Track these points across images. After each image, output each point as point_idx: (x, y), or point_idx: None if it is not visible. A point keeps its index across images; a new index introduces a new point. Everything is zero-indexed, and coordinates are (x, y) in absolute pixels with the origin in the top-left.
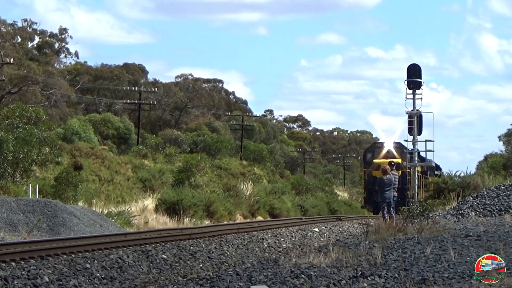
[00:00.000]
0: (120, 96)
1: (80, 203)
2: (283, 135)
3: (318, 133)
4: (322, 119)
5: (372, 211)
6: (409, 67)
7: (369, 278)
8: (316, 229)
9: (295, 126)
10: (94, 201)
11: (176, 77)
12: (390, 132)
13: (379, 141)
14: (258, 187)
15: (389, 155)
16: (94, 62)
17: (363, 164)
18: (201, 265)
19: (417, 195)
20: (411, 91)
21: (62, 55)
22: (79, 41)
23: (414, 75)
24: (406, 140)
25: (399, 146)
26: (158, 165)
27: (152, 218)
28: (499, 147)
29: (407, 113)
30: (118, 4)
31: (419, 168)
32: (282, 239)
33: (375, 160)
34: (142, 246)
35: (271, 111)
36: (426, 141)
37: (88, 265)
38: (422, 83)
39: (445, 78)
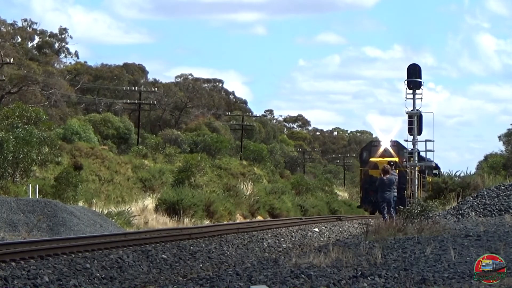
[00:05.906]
0: (120, 96)
1: (80, 203)
2: (283, 135)
3: (318, 133)
4: (320, 119)
5: (369, 211)
6: (409, 67)
7: (369, 278)
8: (316, 229)
9: (295, 126)
10: (94, 201)
11: (176, 77)
12: (388, 131)
13: (376, 139)
14: (258, 187)
15: (386, 153)
16: (94, 62)
17: (360, 163)
18: (201, 265)
19: (416, 195)
20: (411, 91)
21: (62, 55)
22: (77, 41)
23: (414, 75)
24: (406, 140)
25: (396, 144)
26: (158, 165)
27: (152, 218)
28: (499, 147)
29: (407, 113)
30: (115, 4)
31: (417, 168)
32: (282, 239)
33: (371, 159)
34: (142, 246)
35: (271, 111)
36: (426, 141)
37: (88, 265)
38: (422, 83)
39: (444, 78)
